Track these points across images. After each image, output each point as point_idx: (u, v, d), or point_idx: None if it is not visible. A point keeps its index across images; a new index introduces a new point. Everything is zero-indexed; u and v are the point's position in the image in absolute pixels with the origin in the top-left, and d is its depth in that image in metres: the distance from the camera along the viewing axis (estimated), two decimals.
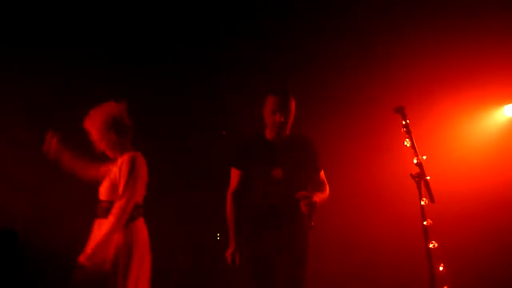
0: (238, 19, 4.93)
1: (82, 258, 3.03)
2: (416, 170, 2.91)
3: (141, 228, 3.21)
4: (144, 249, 3.17)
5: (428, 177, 2.88)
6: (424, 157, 2.93)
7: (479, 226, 4.60)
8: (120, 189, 3.10)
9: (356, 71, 4.92)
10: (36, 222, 4.46)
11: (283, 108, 3.27)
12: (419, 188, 2.90)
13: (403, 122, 2.98)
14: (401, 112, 3.00)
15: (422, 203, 2.91)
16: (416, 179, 2.91)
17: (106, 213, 3.10)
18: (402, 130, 2.98)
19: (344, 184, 4.67)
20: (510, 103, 5.00)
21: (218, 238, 4.62)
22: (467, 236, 4.56)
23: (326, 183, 3.42)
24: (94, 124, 3.24)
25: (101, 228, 3.08)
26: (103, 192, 3.21)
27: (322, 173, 3.44)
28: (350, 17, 4.94)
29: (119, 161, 3.20)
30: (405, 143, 2.97)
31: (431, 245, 2.90)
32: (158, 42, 4.92)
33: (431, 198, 2.86)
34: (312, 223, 3.11)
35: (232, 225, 3.33)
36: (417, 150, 2.93)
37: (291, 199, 3.15)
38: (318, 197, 3.18)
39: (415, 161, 2.93)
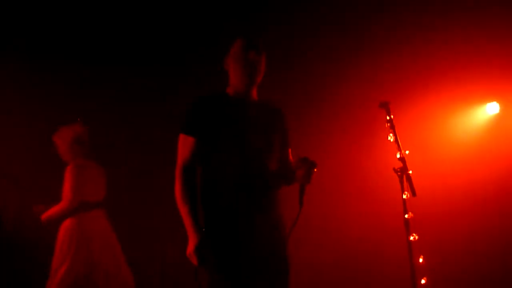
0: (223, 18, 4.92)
1: (38, 209, 3.92)
2: (399, 164, 2.97)
3: (91, 219, 3.89)
4: (93, 236, 3.82)
5: (410, 171, 2.94)
6: (407, 152, 2.99)
7: (459, 220, 4.68)
8: (63, 191, 3.86)
9: (340, 67, 4.95)
10: (23, 215, 4.48)
11: (257, 49, 2.55)
12: (401, 182, 2.95)
13: (387, 117, 3.04)
14: (386, 107, 3.05)
15: (404, 196, 2.97)
16: (399, 173, 2.96)
17: None
18: (386, 125, 3.04)
19: (327, 178, 4.72)
20: (492, 101, 5.09)
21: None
22: (447, 229, 4.64)
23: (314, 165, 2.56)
24: (63, 139, 3.99)
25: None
26: None
27: (290, 151, 2.74)
28: (334, 14, 4.96)
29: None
30: (389, 137, 3.03)
31: (411, 238, 2.97)
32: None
33: (413, 192, 2.91)
34: (303, 197, 2.48)
35: (189, 211, 2.41)
36: (400, 145, 2.98)
37: (271, 173, 2.54)
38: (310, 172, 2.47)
39: (398, 156, 2.99)
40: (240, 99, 2.60)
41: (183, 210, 2.44)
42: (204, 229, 2.42)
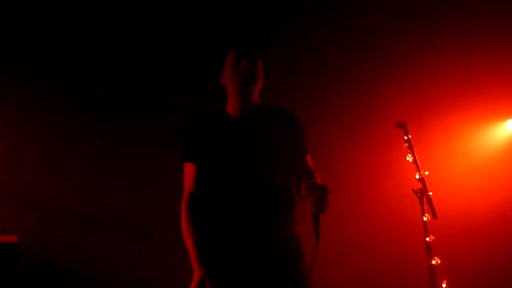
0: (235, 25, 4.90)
1: None
2: (418, 185, 2.90)
3: None
4: None
5: (430, 193, 2.86)
6: (427, 173, 2.91)
7: (482, 242, 4.56)
8: None
9: (358, 85, 4.91)
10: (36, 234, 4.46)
11: (249, 57, 2.37)
12: (421, 204, 2.89)
13: (405, 137, 2.98)
14: (403, 127, 2.99)
15: (425, 219, 2.89)
16: (418, 194, 2.90)
17: None
18: (404, 146, 2.98)
19: (345, 199, 4.65)
20: None
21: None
22: (470, 252, 4.52)
23: (316, 173, 2.39)
24: None
25: None
26: None
27: (309, 158, 2.48)
28: (352, 29, 4.94)
29: None
30: (407, 158, 2.96)
31: (433, 262, 2.88)
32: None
33: (434, 214, 2.84)
34: (319, 229, 2.06)
35: (194, 245, 2.25)
36: (419, 165, 2.92)
37: (277, 194, 2.33)
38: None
39: (417, 177, 2.92)
40: (238, 117, 2.43)
41: (188, 243, 2.29)
42: (208, 261, 2.25)
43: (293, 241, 2.34)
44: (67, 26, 4.62)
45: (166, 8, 4.77)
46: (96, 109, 4.63)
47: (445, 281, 3.14)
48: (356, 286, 4.68)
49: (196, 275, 2.22)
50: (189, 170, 2.40)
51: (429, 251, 2.90)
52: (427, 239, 2.90)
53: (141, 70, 4.72)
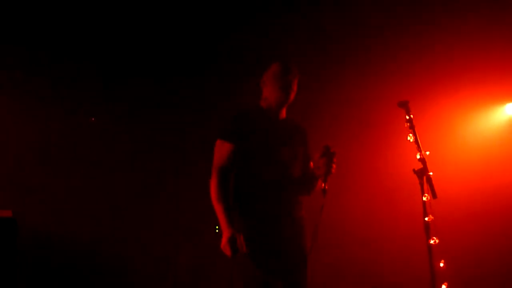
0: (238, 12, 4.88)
1: None
2: (419, 165, 2.89)
3: None
4: None
5: (431, 173, 2.86)
6: (428, 153, 2.90)
7: (481, 223, 4.60)
8: None
9: (359, 66, 4.91)
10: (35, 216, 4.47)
11: (294, 72, 2.92)
12: (421, 184, 2.87)
13: (407, 117, 2.96)
14: (405, 106, 2.97)
15: (424, 199, 2.89)
16: (419, 174, 2.89)
17: None
18: (406, 125, 2.96)
19: (346, 179, 4.66)
20: (511, 101, 4.98)
21: (217, 231, 4.60)
22: (469, 232, 4.56)
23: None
24: None
25: None
26: None
27: (311, 163, 3.01)
28: (351, 13, 4.91)
29: None
30: (408, 138, 2.95)
31: (432, 241, 2.88)
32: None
33: (433, 194, 2.84)
34: (326, 186, 2.72)
35: (224, 208, 2.70)
36: (420, 146, 2.90)
37: (296, 184, 2.90)
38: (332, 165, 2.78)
39: (418, 157, 2.90)
40: (273, 116, 2.96)
41: (218, 208, 2.73)
42: (236, 225, 2.71)
43: (302, 218, 2.95)
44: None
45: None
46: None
47: (443, 261, 3.15)
48: (355, 263, 4.73)
49: (226, 234, 2.68)
50: (223, 148, 2.82)
51: (428, 230, 2.90)
52: (426, 218, 2.90)
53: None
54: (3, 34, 4.46)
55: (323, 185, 2.78)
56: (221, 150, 2.82)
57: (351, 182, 4.66)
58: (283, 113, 3.00)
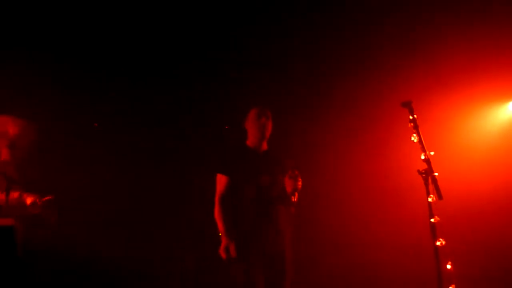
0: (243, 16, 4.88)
1: None
2: (424, 166, 2.86)
3: None
4: None
5: (436, 174, 2.82)
6: (432, 153, 2.87)
7: (488, 223, 4.54)
8: None
9: (361, 67, 4.88)
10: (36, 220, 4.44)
11: (266, 115, 3.73)
12: (426, 185, 2.85)
13: (410, 117, 2.93)
14: (408, 106, 2.95)
15: (430, 200, 2.85)
16: (424, 175, 2.86)
17: None
18: (409, 125, 2.93)
19: (351, 180, 4.62)
20: None
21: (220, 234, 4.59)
22: (476, 233, 4.51)
23: (300, 177, 3.64)
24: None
25: None
26: None
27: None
28: (357, 13, 4.89)
29: None
30: (412, 138, 2.92)
31: (438, 243, 2.85)
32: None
33: (439, 195, 2.81)
34: (296, 199, 3.58)
35: (223, 226, 3.57)
36: (425, 146, 2.87)
37: (275, 202, 3.63)
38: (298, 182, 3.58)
39: (422, 157, 2.87)
40: (255, 150, 3.76)
41: (219, 223, 3.60)
42: (230, 236, 3.56)
43: (285, 229, 3.67)
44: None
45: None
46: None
47: (449, 262, 3.11)
48: (360, 266, 4.70)
49: (223, 242, 3.55)
50: (222, 180, 3.67)
51: (434, 232, 2.87)
52: (432, 220, 2.86)
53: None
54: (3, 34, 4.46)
55: (293, 199, 3.58)
56: (220, 181, 3.67)
57: (355, 184, 4.63)
58: (264, 145, 3.78)
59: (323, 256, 4.88)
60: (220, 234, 3.63)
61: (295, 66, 5.00)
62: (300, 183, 3.52)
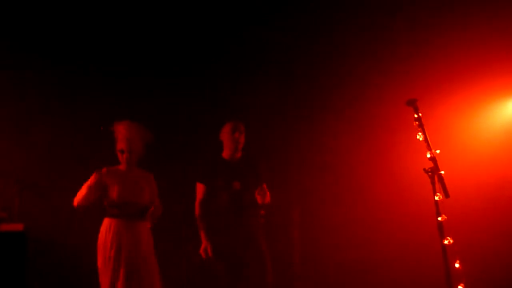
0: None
1: None
2: (430, 164, 2.84)
3: (126, 226, 3.91)
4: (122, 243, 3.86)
5: (442, 172, 2.81)
6: (438, 151, 2.86)
7: (496, 221, 4.51)
8: None
9: (366, 65, 4.88)
10: (45, 224, 4.46)
11: (240, 129, 4.10)
12: (433, 183, 2.84)
13: (416, 116, 2.92)
14: (413, 105, 2.94)
15: (436, 198, 2.84)
16: (430, 173, 2.84)
17: None
18: (415, 124, 2.92)
19: (357, 180, 4.61)
20: None
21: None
22: (484, 231, 4.47)
23: (267, 192, 4.00)
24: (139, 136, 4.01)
25: None
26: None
27: (264, 185, 4.05)
28: (361, 12, 4.90)
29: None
30: (418, 136, 2.91)
31: (446, 241, 2.84)
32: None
33: (446, 193, 2.79)
34: (263, 212, 4.14)
35: (203, 228, 3.99)
36: (430, 144, 2.86)
37: (247, 203, 4.00)
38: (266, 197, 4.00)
39: (428, 155, 2.86)
40: (230, 161, 4.15)
41: (200, 227, 4.03)
42: (207, 238, 3.99)
43: (256, 225, 4.10)
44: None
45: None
46: None
47: (458, 261, 3.09)
48: (367, 265, 4.69)
49: (203, 244, 3.96)
50: (201, 188, 4.09)
51: (441, 230, 2.85)
52: (439, 218, 2.85)
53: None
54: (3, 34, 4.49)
55: (262, 212, 4.14)
56: (199, 189, 4.08)
57: (361, 183, 4.62)
58: (238, 154, 4.14)
59: (330, 255, 4.88)
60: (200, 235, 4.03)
61: (298, 65, 5.00)
62: (268, 198, 3.95)
